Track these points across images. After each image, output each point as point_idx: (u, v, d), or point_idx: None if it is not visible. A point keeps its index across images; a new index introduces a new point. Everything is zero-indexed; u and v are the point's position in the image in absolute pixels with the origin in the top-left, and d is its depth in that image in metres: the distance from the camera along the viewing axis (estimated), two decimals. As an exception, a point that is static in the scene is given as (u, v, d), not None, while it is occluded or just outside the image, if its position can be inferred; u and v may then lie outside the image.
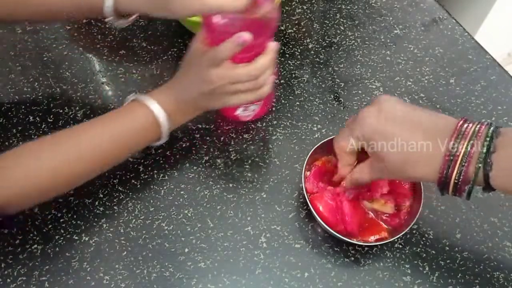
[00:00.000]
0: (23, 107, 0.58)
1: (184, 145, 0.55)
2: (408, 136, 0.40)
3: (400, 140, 0.40)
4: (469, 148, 0.37)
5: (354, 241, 0.46)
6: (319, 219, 0.46)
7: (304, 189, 0.48)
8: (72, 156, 0.45)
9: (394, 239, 0.47)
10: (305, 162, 0.48)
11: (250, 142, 0.56)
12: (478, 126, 0.38)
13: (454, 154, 0.38)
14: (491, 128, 0.38)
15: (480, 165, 0.37)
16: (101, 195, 0.52)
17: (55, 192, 0.46)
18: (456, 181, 0.38)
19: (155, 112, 0.47)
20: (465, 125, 0.39)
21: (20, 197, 0.43)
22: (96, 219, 0.50)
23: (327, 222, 0.46)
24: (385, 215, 0.48)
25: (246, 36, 0.44)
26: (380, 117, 0.42)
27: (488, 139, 0.37)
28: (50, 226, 0.50)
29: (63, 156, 0.44)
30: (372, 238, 0.47)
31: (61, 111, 0.58)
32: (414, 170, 0.40)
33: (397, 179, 0.48)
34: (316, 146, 0.49)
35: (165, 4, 0.46)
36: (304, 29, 0.65)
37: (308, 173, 0.50)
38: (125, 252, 0.48)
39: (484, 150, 0.37)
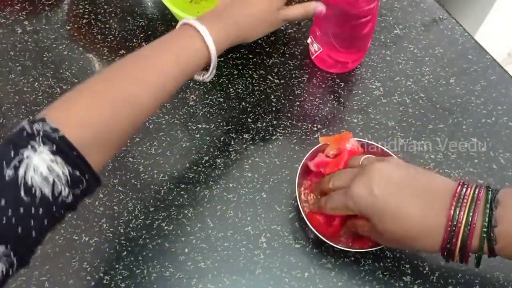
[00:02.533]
0: (23, 107, 0.58)
1: (184, 145, 0.55)
2: (405, 209, 0.39)
3: (396, 214, 0.39)
4: (470, 218, 0.37)
5: (351, 249, 0.46)
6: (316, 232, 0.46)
7: (300, 208, 0.47)
8: (142, 83, 0.41)
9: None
10: (297, 180, 0.48)
11: (250, 142, 0.56)
12: (477, 191, 0.38)
13: (455, 224, 0.37)
14: (489, 195, 0.37)
15: (484, 237, 0.36)
16: (101, 195, 0.52)
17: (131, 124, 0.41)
18: (461, 252, 0.38)
19: (203, 35, 0.44)
20: (463, 190, 0.38)
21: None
22: (96, 219, 0.50)
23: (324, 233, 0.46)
24: None
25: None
26: (372, 190, 0.40)
27: (487, 211, 0.36)
28: (50, 226, 0.50)
29: (133, 82, 0.41)
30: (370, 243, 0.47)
31: (61, 111, 0.58)
32: (415, 243, 0.39)
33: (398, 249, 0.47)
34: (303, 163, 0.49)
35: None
36: (304, 29, 0.65)
37: (302, 189, 0.50)
38: (125, 252, 0.48)
39: (486, 225, 0.36)
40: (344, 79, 0.61)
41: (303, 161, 0.49)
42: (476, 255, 0.38)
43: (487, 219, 0.36)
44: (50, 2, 0.68)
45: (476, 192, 0.38)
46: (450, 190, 0.39)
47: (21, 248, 0.33)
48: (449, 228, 0.37)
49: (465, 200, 0.37)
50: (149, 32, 0.65)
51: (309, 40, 0.60)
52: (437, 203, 0.38)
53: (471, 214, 0.37)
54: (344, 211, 0.43)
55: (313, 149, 0.50)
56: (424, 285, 0.47)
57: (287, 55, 0.63)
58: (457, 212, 0.37)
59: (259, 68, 0.61)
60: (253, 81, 0.60)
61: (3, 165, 0.32)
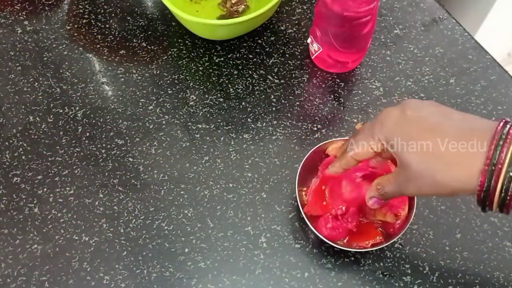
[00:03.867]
0: (23, 107, 0.58)
1: (184, 145, 0.55)
2: (436, 137, 0.34)
3: (427, 140, 0.35)
4: None
5: (351, 249, 0.46)
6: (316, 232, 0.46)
7: (302, 212, 0.47)
8: None
9: (388, 244, 0.46)
10: (296, 183, 0.48)
11: (250, 142, 0.56)
12: None
13: (495, 163, 0.32)
14: None
15: None
16: (101, 195, 0.52)
17: None
18: (503, 194, 0.32)
19: None
20: (508, 127, 0.33)
21: None
22: (96, 219, 0.50)
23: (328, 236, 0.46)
24: (379, 221, 0.48)
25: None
26: (404, 116, 0.36)
27: None
28: (50, 226, 0.50)
29: None
30: (367, 243, 0.46)
31: (61, 111, 0.58)
32: (446, 175, 0.34)
33: (424, 194, 0.41)
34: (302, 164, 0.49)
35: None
36: (304, 29, 0.65)
37: (304, 194, 0.50)
38: (125, 252, 0.48)
39: None
40: (344, 79, 0.61)
41: (303, 161, 0.49)
42: None
43: None
44: (50, 2, 0.68)
45: None
46: (492, 125, 0.34)
47: None
48: (487, 167, 0.32)
49: (508, 138, 0.32)
50: (149, 32, 0.65)
51: (309, 40, 0.60)
52: (475, 135, 0.34)
53: None
54: (368, 143, 0.38)
55: (313, 149, 0.50)
56: (424, 285, 0.47)
57: (287, 55, 0.63)
58: (498, 152, 0.32)
59: (259, 68, 0.61)
60: (253, 81, 0.60)
61: None
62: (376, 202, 0.42)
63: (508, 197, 0.32)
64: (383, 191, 0.40)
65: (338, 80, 0.61)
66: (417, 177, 0.36)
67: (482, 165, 0.32)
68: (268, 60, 0.62)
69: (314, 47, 0.59)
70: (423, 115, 0.36)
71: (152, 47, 0.63)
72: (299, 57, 0.63)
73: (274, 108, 0.58)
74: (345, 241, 0.47)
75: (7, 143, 0.55)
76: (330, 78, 0.61)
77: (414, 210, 0.46)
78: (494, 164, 0.32)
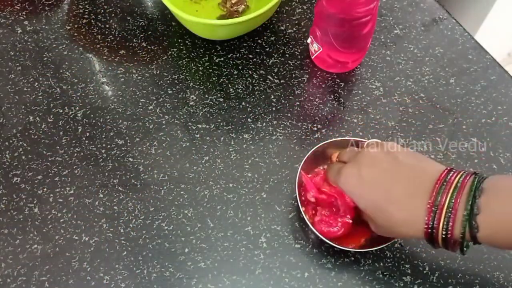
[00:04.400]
0: (23, 107, 0.58)
1: (184, 145, 0.55)
2: (388, 193, 0.40)
3: (383, 203, 0.40)
4: (452, 201, 0.37)
5: (351, 249, 0.46)
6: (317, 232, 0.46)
7: (302, 213, 0.47)
8: None
9: (388, 244, 0.46)
10: (296, 184, 0.48)
11: (250, 142, 0.56)
12: (462, 177, 0.38)
13: (437, 205, 0.37)
14: (475, 183, 0.37)
15: (465, 225, 0.36)
16: (101, 195, 0.52)
17: None
18: (443, 236, 0.37)
19: None
20: (450, 174, 0.38)
21: None
22: (96, 219, 0.50)
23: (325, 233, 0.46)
24: None
25: None
26: (360, 178, 0.41)
27: (470, 198, 0.36)
28: (50, 226, 0.50)
29: None
30: (363, 240, 0.47)
31: (61, 111, 0.58)
32: (402, 228, 0.40)
33: (389, 236, 0.46)
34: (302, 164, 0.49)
35: None
36: (304, 29, 0.65)
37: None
38: (125, 252, 0.48)
39: (468, 212, 0.36)
40: (344, 79, 0.61)
41: (303, 161, 0.49)
42: (460, 242, 0.38)
43: (469, 206, 0.36)
44: (50, 2, 0.68)
45: (462, 178, 0.38)
46: (437, 174, 0.39)
47: None
48: (431, 209, 0.37)
49: (448, 185, 0.37)
50: (149, 32, 0.65)
51: (309, 40, 0.60)
52: (421, 187, 0.39)
53: (453, 200, 0.37)
54: (335, 184, 0.44)
55: (312, 149, 0.50)
56: (424, 285, 0.47)
57: (287, 55, 0.63)
58: (439, 197, 0.37)
59: (259, 68, 0.61)
60: (253, 81, 0.60)
61: None
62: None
63: (448, 237, 0.37)
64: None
65: (338, 80, 0.61)
66: (380, 229, 0.42)
67: (426, 210, 0.38)
68: (268, 60, 0.62)
69: (314, 47, 0.59)
70: (377, 176, 0.41)
71: (152, 47, 0.63)
72: (299, 57, 0.63)
73: (274, 108, 0.58)
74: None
75: (7, 143, 0.55)
76: (330, 78, 0.61)
77: None
78: (436, 207, 0.37)
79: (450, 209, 0.37)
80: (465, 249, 0.38)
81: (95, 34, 0.65)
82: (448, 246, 0.38)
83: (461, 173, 0.38)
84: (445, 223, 0.37)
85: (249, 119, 0.57)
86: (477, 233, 0.36)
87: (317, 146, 0.50)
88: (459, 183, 0.37)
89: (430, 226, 0.38)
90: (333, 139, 0.51)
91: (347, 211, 0.46)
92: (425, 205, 0.38)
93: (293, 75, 0.61)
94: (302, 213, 0.47)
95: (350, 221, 0.46)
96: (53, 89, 0.60)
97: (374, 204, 0.41)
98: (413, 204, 0.39)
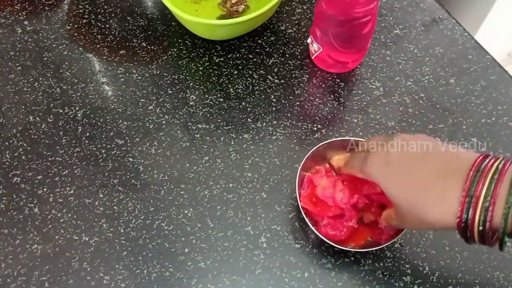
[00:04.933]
0: (23, 107, 0.58)
1: (184, 145, 0.55)
2: (419, 177, 0.37)
3: (410, 183, 0.37)
4: (491, 189, 0.33)
5: (351, 249, 0.46)
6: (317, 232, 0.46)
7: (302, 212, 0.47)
8: None
9: (388, 244, 0.46)
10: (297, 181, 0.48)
11: (250, 142, 0.56)
12: (502, 163, 0.34)
13: (472, 195, 0.34)
14: None
15: (507, 216, 0.32)
16: (101, 195, 0.52)
17: None
18: (481, 228, 0.34)
19: None
20: (486, 161, 0.35)
21: None
22: (96, 219, 0.50)
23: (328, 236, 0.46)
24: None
25: None
26: (386, 161, 0.39)
27: None
28: (50, 226, 0.50)
29: None
30: (363, 240, 0.47)
31: (61, 111, 0.58)
32: (427, 212, 0.36)
33: (419, 229, 0.45)
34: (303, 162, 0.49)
35: None
36: (304, 29, 0.65)
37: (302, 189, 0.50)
38: (125, 252, 0.48)
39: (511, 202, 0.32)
40: (344, 79, 0.61)
41: (303, 161, 0.49)
42: (500, 236, 0.34)
43: (511, 196, 0.32)
44: (50, 2, 0.68)
45: (501, 165, 0.34)
46: (471, 160, 0.35)
47: None
48: (464, 200, 0.34)
49: (485, 173, 0.34)
50: (149, 32, 0.65)
51: (309, 40, 0.60)
52: (454, 171, 0.35)
53: (491, 188, 0.33)
54: (360, 171, 0.42)
55: (313, 149, 0.50)
56: (424, 285, 0.47)
57: (287, 55, 0.63)
58: (474, 186, 0.34)
59: (259, 68, 0.61)
60: (253, 81, 0.60)
61: None
62: (389, 229, 0.45)
63: (486, 230, 0.34)
64: (391, 224, 0.43)
65: (338, 80, 0.61)
66: (406, 217, 0.38)
67: (460, 200, 0.34)
68: (268, 60, 0.62)
69: (314, 47, 0.59)
70: (406, 160, 0.38)
71: (152, 47, 0.63)
72: (299, 57, 0.63)
73: (274, 108, 0.58)
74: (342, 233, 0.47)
75: (7, 143, 0.55)
76: (330, 78, 0.61)
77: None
78: (471, 196, 0.33)
79: (489, 199, 0.33)
80: (504, 243, 0.34)
81: (95, 34, 0.65)
82: (485, 240, 0.35)
83: (499, 159, 0.35)
84: (482, 215, 0.33)
85: (249, 119, 0.57)
86: None
87: (317, 146, 0.50)
88: (498, 169, 0.34)
89: (464, 219, 0.34)
90: (333, 139, 0.51)
91: (352, 214, 0.46)
92: (457, 192, 0.34)
93: (293, 75, 0.61)
94: (302, 213, 0.47)
95: (356, 225, 0.46)
96: (53, 89, 0.60)
97: (401, 187, 0.38)
98: (442, 186, 0.35)
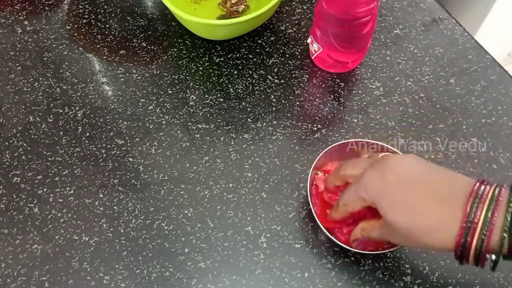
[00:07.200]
0: (23, 107, 0.58)
1: (184, 145, 0.55)
2: (418, 202, 0.37)
3: (410, 206, 0.38)
4: (489, 215, 0.35)
5: (351, 249, 0.46)
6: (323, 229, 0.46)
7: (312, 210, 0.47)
8: None
9: (391, 250, 0.46)
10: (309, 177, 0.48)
11: (250, 142, 0.56)
12: (498, 189, 0.36)
13: (472, 220, 0.35)
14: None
15: (503, 241, 0.34)
16: (101, 195, 0.52)
17: None
18: (477, 251, 0.35)
19: None
20: (482, 188, 0.36)
21: None
22: (96, 219, 0.50)
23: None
24: None
25: None
26: (385, 180, 0.39)
27: (510, 212, 0.34)
28: (50, 226, 0.50)
29: None
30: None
31: (61, 111, 0.58)
32: (427, 238, 0.37)
33: (408, 246, 0.45)
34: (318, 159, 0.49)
35: None
36: (304, 29, 0.65)
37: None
38: (125, 252, 0.48)
39: (508, 227, 0.34)
40: (344, 79, 0.61)
41: (313, 165, 0.48)
42: (493, 258, 0.37)
43: (508, 222, 0.34)
44: (50, 2, 0.68)
45: (497, 191, 0.36)
46: (469, 185, 0.37)
47: None
48: (464, 225, 0.35)
49: (483, 199, 0.35)
50: (149, 32, 0.65)
51: (309, 40, 0.60)
52: (452, 196, 0.37)
53: (489, 214, 0.35)
54: (356, 202, 0.41)
55: (323, 151, 0.49)
56: (424, 285, 0.47)
57: (287, 55, 0.63)
58: (473, 212, 0.35)
59: (259, 68, 0.61)
60: (253, 81, 0.60)
61: None
62: (360, 244, 0.45)
63: (482, 253, 0.35)
64: (367, 235, 0.43)
65: (338, 80, 0.61)
66: (400, 234, 0.39)
67: (457, 229, 0.36)
68: (268, 60, 0.62)
69: (314, 47, 0.59)
70: (405, 181, 0.38)
71: (152, 47, 0.63)
72: (299, 57, 0.63)
73: (274, 108, 0.58)
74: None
75: (7, 143, 0.55)
76: (330, 78, 0.61)
77: None
78: (471, 222, 0.35)
79: (487, 225, 0.35)
80: (497, 265, 0.37)
81: (95, 34, 0.65)
82: (479, 262, 0.37)
83: (494, 186, 0.37)
84: (479, 239, 0.35)
85: (249, 119, 0.57)
86: None
87: (330, 146, 0.49)
88: (495, 195, 0.36)
89: (462, 243, 0.36)
90: (348, 140, 0.50)
91: (357, 221, 0.46)
92: (455, 217, 0.36)
93: (293, 75, 0.61)
94: (312, 209, 0.47)
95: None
96: (53, 89, 0.60)
97: (400, 212, 0.38)
98: (441, 212, 0.37)
